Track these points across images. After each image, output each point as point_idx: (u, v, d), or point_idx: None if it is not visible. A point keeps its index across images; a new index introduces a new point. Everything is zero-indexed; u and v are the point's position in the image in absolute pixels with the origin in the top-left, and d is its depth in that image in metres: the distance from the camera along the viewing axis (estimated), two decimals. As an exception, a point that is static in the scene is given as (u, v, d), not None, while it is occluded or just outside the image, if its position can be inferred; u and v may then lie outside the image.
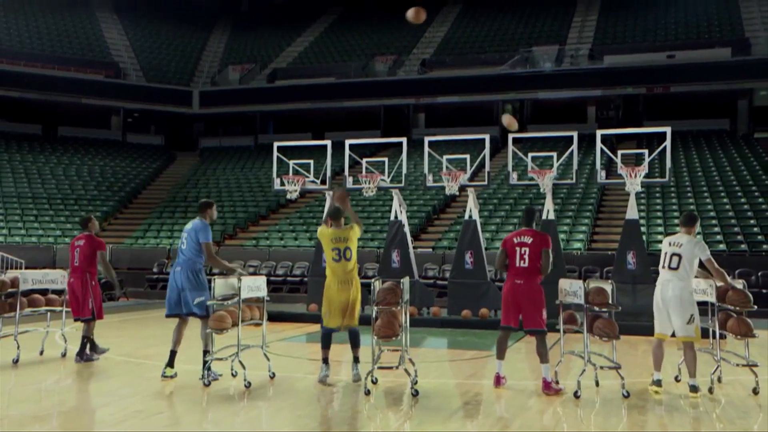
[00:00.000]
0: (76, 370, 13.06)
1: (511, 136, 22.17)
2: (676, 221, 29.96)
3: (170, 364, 11.81)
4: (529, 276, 11.26)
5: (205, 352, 11.68)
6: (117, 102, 51.62)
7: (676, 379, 11.90)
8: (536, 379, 11.60)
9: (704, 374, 11.72)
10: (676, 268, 11.12)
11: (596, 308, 11.08)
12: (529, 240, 11.33)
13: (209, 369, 11.51)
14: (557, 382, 11.12)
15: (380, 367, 11.07)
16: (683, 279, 11.10)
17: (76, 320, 13.96)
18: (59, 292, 14.55)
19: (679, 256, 11.14)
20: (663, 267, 11.27)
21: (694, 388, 10.86)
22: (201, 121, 56.76)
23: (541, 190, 21.64)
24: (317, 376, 11.63)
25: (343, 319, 11.54)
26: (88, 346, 13.79)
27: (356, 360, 11.74)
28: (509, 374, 11.50)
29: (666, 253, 11.29)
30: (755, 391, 10.96)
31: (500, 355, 11.48)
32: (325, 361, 11.59)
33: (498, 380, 11.38)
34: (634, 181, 20.08)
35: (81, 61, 52.30)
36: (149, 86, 52.45)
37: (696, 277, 11.37)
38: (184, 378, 11.78)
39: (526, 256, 11.26)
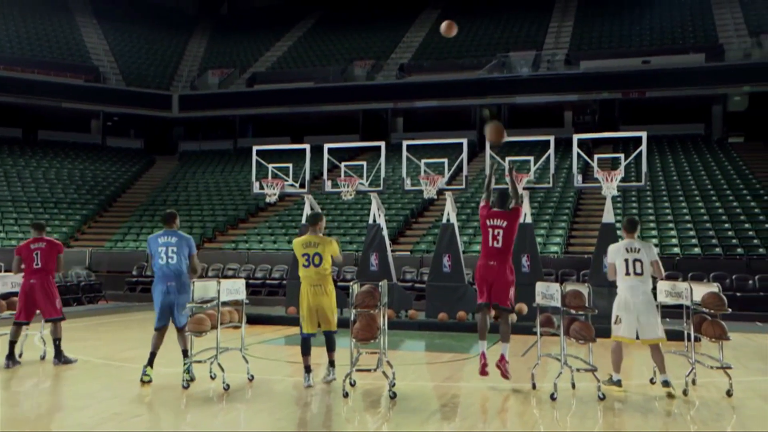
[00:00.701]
0: (54, 373, 13.02)
1: (488, 141, 22.19)
2: (652, 225, 30.28)
3: (150, 364, 11.77)
4: (502, 257, 11.48)
5: (185, 352, 11.73)
6: (97, 106, 51.40)
7: (651, 381, 11.94)
8: (514, 381, 11.61)
9: (679, 377, 11.77)
10: (641, 273, 11.30)
11: (573, 311, 11.13)
12: (503, 223, 11.50)
13: (188, 370, 11.49)
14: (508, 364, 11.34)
15: (358, 370, 11.05)
16: (647, 283, 11.33)
17: (21, 324, 13.80)
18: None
19: (641, 261, 11.33)
20: (628, 274, 11.34)
21: (667, 383, 11.09)
22: (180, 125, 56.66)
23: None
24: (301, 378, 11.58)
25: (318, 324, 11.57)
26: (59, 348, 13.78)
27: (331, 364, 11.80)
28: (487, 378, 11.50)
29: (627, 260, 11.37)
30: (729, 393, 11.01)
31: (482, 335, 11.52)
32: (308, 369, 11.56)
33: (483, 358, 11.39)
34: (610, 185, 20.13)
35: (61, 65, 52.08)
36: (129, 90, 52.30)
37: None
38: (163, 381, 11.75)
39: (500, 238, 11.46)
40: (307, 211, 22.57)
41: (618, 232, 18.96)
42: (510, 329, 11.53)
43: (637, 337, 11.30)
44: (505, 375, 11.34)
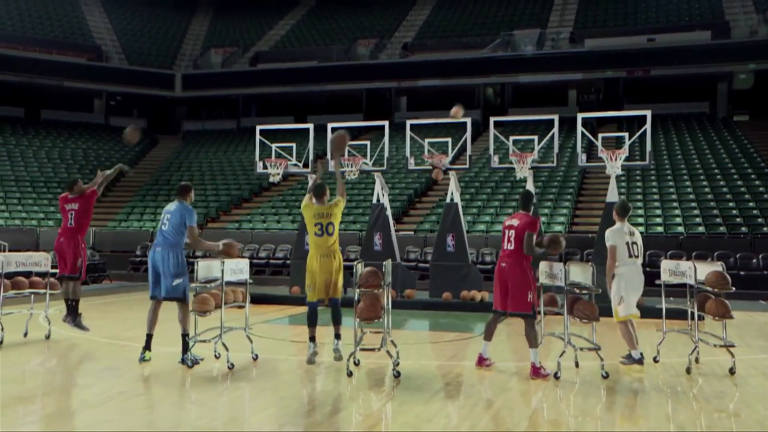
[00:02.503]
0: (59, 352, 13.09)
1: (492, 119, 22.19)
2: (656, 204, 30.29)
3: (148, 347, 11.82)
4: (515, 259, 11.25)
5: (184, 336, 11.73)
6: (99, 85, 51.38)
7: (655, 360, 11.99)
8: (517, 361, 11.70)
9: (682, 355, 11.86)
10: (638, 256, 11.80)
11: (576, 290, 11.17)
12: (516, 223, 11.34)
13: (189, 351, 11.55)
14: (544, 368, 11.05)
15: (362, 349, 11.09)
16: (640, 264, 11.84)
17: (60, 277, 14.03)
18: (43, 275, 14.59)
19: (636, 244, 11.81)
20: (630, 256, 11.73)
21: (641, 360, 11.71)
22: (184, 104, 56.61)
23: (517, 177, 21.68)
24: (305, 356, 11.70)
25: (326, 292, 11.67)
26: (75, 313, 13.94)
27: (337, 336, 11.81)
28: (490, 354, 11.55)
29: (628, 243, 11.73)
30: (732, 371, 11.07)
31: (487, 336, 11.58)
32: (312, 339, 11.69)
33: (480, 361, 11.48)
34: (614, 164, 20.12)
35: (63, 44, 52.04)
36: (132, 69, 52.29)
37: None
38: (167, 360, 11.80)
39: (513, 239, 11.28)
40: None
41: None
42: (536, 333, 11.20)
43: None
44: (544, 378, 10.86)
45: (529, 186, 21.21)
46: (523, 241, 11.16)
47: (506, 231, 11.43)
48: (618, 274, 11.72)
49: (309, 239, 11.90)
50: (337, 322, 11.82)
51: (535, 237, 11.22)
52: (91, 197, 14.41)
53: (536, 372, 10.93)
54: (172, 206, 11.98)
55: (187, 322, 11.69)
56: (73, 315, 13.98)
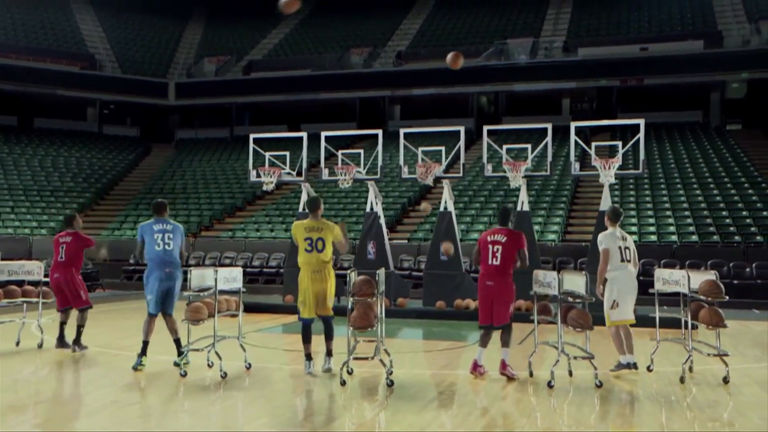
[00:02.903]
0: (52, 361, 13.07)
1: (486, 128, 22.21)
2: (650, 213, 30.33)
3: (144, 354, 11.91)
4: (501, 275, 11.42)
5: (178, 342, 11.94)
6: (93, 94, 51.40)
7: (649, 369, 11.99)
8: (513, 371, 11.66)
9: (676, 364, 11.89)
10: (630, 261, 11.90)
11: (570, 299, 11.18)
12: (503, 239, 11.45)
13: (184, 354, 11.68)
14: (512, 368, 11.35)
15: (356, 358, 11.10)
16: (633, 269, 11.96)
17: (62, 310, 14.08)
18: (36, 284, 14.62)
19: (629, 248, 11.95)
20: (622, 260, 11.85)
21: (635, 365, 11.87)
22: (177, 112, 56.62)
23: (511, 185, 21.68)
24: (299, 365, 11.69)
25: (316, 309, 11.55)
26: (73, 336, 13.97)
27: (329, 353, 11.74)
28: (485, 363, 11.54)
29: (621, 248, 11.85)
30: (725, 380, 11.07)
31: (483, 343, 11.62)
32: (308, 357, 11.62)
33: (475, 367, 11.49)
34: (608, 172, 20.11)
35: (56, 53, 52.09)
36: (125, 78, 52.33)
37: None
38: (160, 368, 11.81)
39: (499, 255, 11.40)
40: (304, 199, 22.61)
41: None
42: (510, 337, 11.53)
43: None
44: (512, 378, 11.30)
45: (522, 194, 21.23)
46: (511, 258, 11.45)
47: (491, 246, 11.50)
48: (611, 279, 11.81)
49: (299, 256, 11.74)
50: (328, 338, 11.75)
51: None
52: (87, 240, 14.44)
53: (504, 367, 11.28)
54: (164, 225, 12.08)
55: (178, 327, 12.01)
56: (79, 341, 14.01)
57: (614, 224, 12.14)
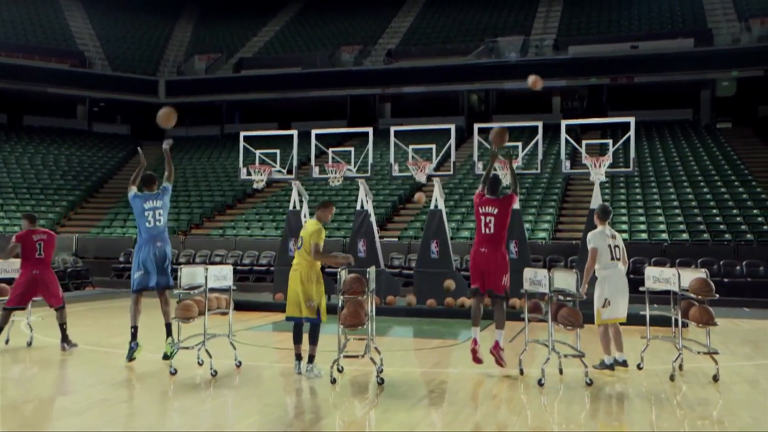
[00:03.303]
0: (41, 359, 13.06)
1: (476, 126, 22.21)
2: (641, 211, 30.36)
3: (135, 338, 12.20)
4: (494, 244, 11.63)
5: (169, 326, 12.24)
6: (83, 91, 51.24)
7: (639, 367, 12.01)
8: (503, 369, 11.65)
9: (666, 362, 11.93)
10: (620, 258, 12.04)
11: (561, 297, 11.20)
12: (494, 210, 11.66)
13: (173, 349, 11.84)
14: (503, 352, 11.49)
15: (346, 356, 11.09)
16: (623, 267, 12.09)
17: (10, 310, 14.02)
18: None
19: (618, 247, 12.07)
20: (612, 259, 11.95)
21: (625, 363, 12.05)
22: (167, 110, 56.40)
23: (502, 184, 21.67)
24: (289, 364, 11.64)
25: (299, 309, 11.39)
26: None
27: (311, 359, 11.43)
28: (477, 365, 11.54)
29: (610, 246, 11.96)
30: (715, 378, 11.11)
31: (476, 321, 11.71)
32: (298, 357, 11.55)
33: (474, 343, 11.56)
34: (598, 170, 20.16)
35: (46, 50, 51.89)
36: (115, 75, 52.19)
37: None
38: (150, 367, 11.81)
39: (492, 225, 11.62)
40: (295, 197, 22.65)
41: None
42: (505, 316, 11.63)
43: None
44: (499, 362, 11.43)
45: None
46: (504, 224, 11.74)
47: (483, 217, 11.72)
48: (601, 278, 11.92)
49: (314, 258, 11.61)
50: (312, 341, 11.41)
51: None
52: (52, 237, 14.49)
53: (497, 347, 11.42)
54: (154, 202, 12.28)
55: (170, 309, 12.19)
56: (66, 338, 14.01)
57: (603, 222, 12.27)
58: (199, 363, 11.82)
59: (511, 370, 11.56)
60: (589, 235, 12.26)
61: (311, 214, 12.17)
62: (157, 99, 52.89)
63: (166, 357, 12.00)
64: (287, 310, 11.50)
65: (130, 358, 11.95)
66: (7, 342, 14.04)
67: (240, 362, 11.96)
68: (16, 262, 14.38)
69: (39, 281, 13.94)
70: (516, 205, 21.12)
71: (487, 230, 11.64)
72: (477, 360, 11.54)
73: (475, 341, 11.57)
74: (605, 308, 11.85)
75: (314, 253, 11.31)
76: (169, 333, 12.28)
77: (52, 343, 14.19)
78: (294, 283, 11.38)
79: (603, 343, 12.09)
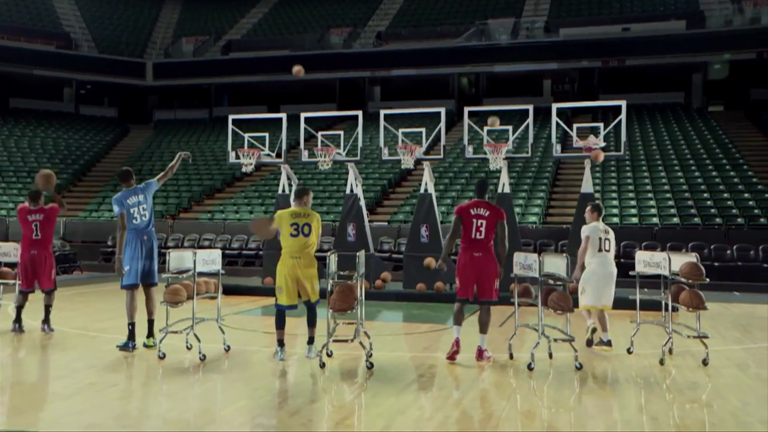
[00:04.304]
0: (30, 343, 13.06)
1: (466, 109, 22.22)
2: (631, 195, 30.43)
3: (151, 333, 12.21)
4: (487, 249, 11.40)
5: (151, 323, 12.20)
6: (69, 73, 51.20)
7: (629, 351, 12.08)
8: (493, 352, 11.70)
9: (656, 346, 12.01)
10: (609, 250, 12.59)
11: (551, 281, 11.24)
12: (485, 213, 11.44)
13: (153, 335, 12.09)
14: (488, 352, 11.51)
15: (335, 340, 11.12)
16: (612, 258, 12.69)
17: (27, 293, 14.05)
18: (12, 265, 14.58)
19: (609, 240, 12.62)
20: (600, 250, 12.52)
21: (609, 343, 12.43)
22: (155, 93, 56.46)
23: (491, 167, 21.64)
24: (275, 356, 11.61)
25: (298, 295, 11.47)
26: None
27: (311, 341, 11.59)
28: (463, 348, 11.56)
29: (601, 239, 12.52)
30: (705, 363, 11.17)
31: (459, 321, 11.58)
32: (281, 343, 11.51)
33: (457, 343, 11.40)
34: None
35: (31, 31, 51.75)
36: (102, 57, 52.10)
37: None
38: (138, 351, 11.84)
39: (483, 229, 11.39)
40: (284, 181, 22.67)
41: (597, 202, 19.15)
42: (490, 320, 11.54)
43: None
44: (487, 359, 11.41)
45: (503, 176, 21.27)
46: (493, 231, 11.45)
47: (474, 220, 11.46)
48: (587, 266, 12.46)
49: (282, 242, 11.52)
50: (311, 323, 11.61)
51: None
52: (55, 211, 14.40)
53: (481, 354, 11.38)
54: (136, 197, 12.21)
55: (155, 305, 12.22)
56: (48, 321, 14.06)
57: (597, 218, 12.82)
58: (187, 347, 11.85)
59: (501, 354, 11.62)
60: (584, 227, 12.82)
61: (294, 201, 12.01)
62: (145, 81, 52.94)
63: (145, 345, 12.05)
64: (284, 299, 11.41)
65: (144, 345, 12.03)
66: (20, 324, 14.02)
67: (229, 347, 11.99)
68: (14, 246, 14.45)
69: (36, 262, 14.01)
70: (504, 188, 21.22)
71: (479, 235, 11.41)
72: (452, 359, 11.44)
73: (457, 342, 11.42)
74: (582, 295, 12.43)
75: (319, 241, 11.73)
76: (150, 329, 12.24)
77: (39, 327, 14.19)
78: (297, 270, 11.36)
79: (600, 321, 12.56)
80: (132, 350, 11.83)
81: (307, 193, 11.93)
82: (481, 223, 11.41)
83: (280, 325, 11.54)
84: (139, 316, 12.05)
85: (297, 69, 17.57)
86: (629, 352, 12.10)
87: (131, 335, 11.96)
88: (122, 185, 12.47)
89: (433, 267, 15.55)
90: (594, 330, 12.67)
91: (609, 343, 12.39)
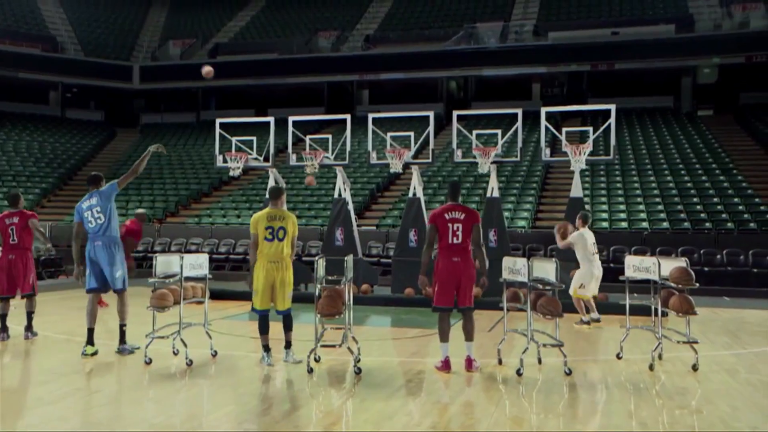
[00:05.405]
0: (14, 349, 13.02)
1: (455, 113, 22.24)
2: (621, 199, 30.49)
3: (90, 342, 12.10)
4: (465, 253, 11.18)
5: (123, 326, 12.16)
6: (55, 77, 51.14)
7: (618, 357, 12.09)
8: (481, 357, 11.71)
9: (646, 351, 12.03)
10: (597, 253, 16.23)
11: (540, 286, 11.23)
12: (461, 216, 11.24)
13: (124, 343, 12.16)
14: (477, 361, 11.33)
15: (323, 345, 11.13)
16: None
17: (7, 298, 14.04)
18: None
19: (596, 244, 16.20)
20: (594, 254, 15.99)
21: (599, 319, 15.85)
22: (142, 96, 56.38)
23: (480, 171, 21.63)
24: (261, 361, 11.60)
25: (272, 301, 11.45)
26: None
27: (288, 345, 11.61)
28: (450, 354, 11.51)
29: (593, 243, 16.05)
30: (695, 368, 11.18)
31: (446, 337, 11.26)
32: (266, 348, 11.51)
33: (448, 365, 11.10)
34: (578, 158, 20.20)
35: (17, 34, 51.72)
36: (88, 61, 52.09)
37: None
38: (125, 357, 11.82)
39: (459, 233, 11.16)
40: (271, 184, 22.63)
41: (585, 207, 19.31)
42: (474, 326, 11.32)
43: None
44: (476, 368, 11.20)
45: (493, 180, 21.29)
46: (470, 234, 11.22)
47: (450, 225, 11.21)
48: (583, 266, 15.62)
49: (258, 246, 11.44)
50: (287, 328, 11.58)
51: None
52: (31, 215, 14.41)
53: (471, 364, 11.15)
54: (90, 200, 12.35)
55: (126, 313, 12.25)
56: (31, 327, 14.03)
57: (584, 226, 15.74)
58: (174, 352, 11.85)
59: (490, 359, 11.62)
60: (576, 234, 15.73)
61: (268, 203, 11.91)
62: (132, 85, 52.92)
63: (119, 351, 12.07)
64: (259, 302, 11.42)
65: (83, 354, 11.97)
66: (5, 331, 13.98)
67: (216, 352, 12.00)
68: None
69: (14, 266, 14.02)
70: (493, 192, 21.26)
71: (455, 239, 11.15)
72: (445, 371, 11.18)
73: (447, 362, 11.12)
74: (581, 289, 15.36)
75: (294, 244, 11.58)
76: (122, 336, 12.30)
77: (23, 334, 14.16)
78: (275, 274, 11.32)
79: (578, 308, 15.68)
80: (84, 355, 11.84)
81: (283, 192, 11.90)
82: (458, 227, 11.18)
83: (264, 330, 11.52)
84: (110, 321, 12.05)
85: (207, 70, 17.52)
86: (619, 357, 12.11)
87: (88, 340, 11.96)
88: (90, 188, 12.51)
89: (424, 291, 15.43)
90: (589, 323, 15.22)
91: (598, 320, 15.39)
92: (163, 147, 13.79)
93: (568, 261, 16.63)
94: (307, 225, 30.00)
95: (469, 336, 11.26)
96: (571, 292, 15.84)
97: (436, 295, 11.35)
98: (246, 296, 20.80)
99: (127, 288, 12.45)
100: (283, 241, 11.39)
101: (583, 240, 15.64)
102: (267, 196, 12.50)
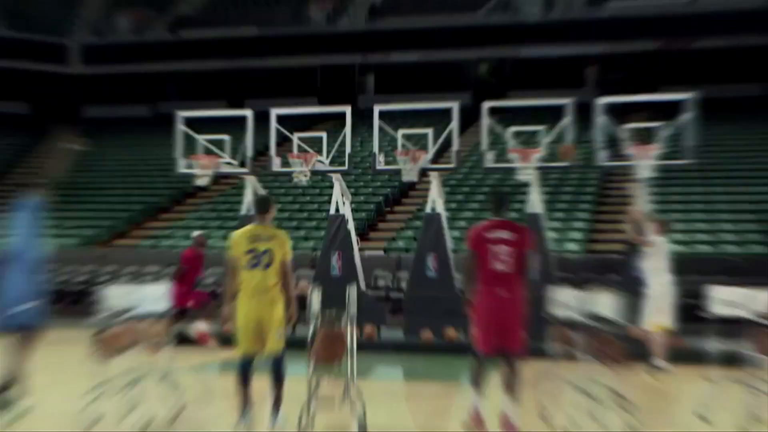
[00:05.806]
0: None
1: (486, 105, 22.29)
2: (701, 214, 30.49)
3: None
4: (513, 284, 10.89)
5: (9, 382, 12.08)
6: (-37, 59, 51.28)
7: (703, 419, 12.07)
8: (523, 416, 11.73)
9: (736, 413, 12.01)
10: None
11: (597, 325, 11.22)
12: (509, 236, 10.98)
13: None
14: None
15: (318, 401, 11.13)
16: None
17: None
18: None
19: None
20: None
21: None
22: (83, 84, 56.34)
23: (520, 180, 21.65)
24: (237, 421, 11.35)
25: (258, 342, 11.08)
26: None
27: (276, 405, 11.16)
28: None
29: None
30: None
31: (479, 383, 11.15)
32: (246, 403, 11.10)
33: (479, 419, 10.99)
34: (645, 163, 20.23)
35: None
36: (11, 37, 52.02)
37: None
38: (64, 420, 11.87)
39: (507, 258, 10.86)
40: (249, 197, 22.66)
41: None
42: (520, 379, 11.00)
43: None
44: None
45: (534, 192, 21.29)
46: (521, 259, 10.98)
47: (493, 246, 10.97)
48: (655, 278, 15.75)
49: (240, 275, 11.20)
50: (277, 380, 11.19)
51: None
52: None
53: (509, 425, 10.83)
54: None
55: (23, 357, 12.21)
56: None
57: (662, 233, 15.75)
58: (126, 411, 11.87)
59: (531, 418, 11.64)
60: (658, 238, 15.97)
61: (254, 218, 11.77)
62: (69, 69, 52.87)
63: None
64: (244, 346, 11.11)
65: None
66: None
67: (181, 408, 11.98)
68: None
69: None
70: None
71: (500, 265, 10.86)
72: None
73: (477, 413, 11.01)
74: (657, 314, 15.49)
75: (289, 273, 11.33)
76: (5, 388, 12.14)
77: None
78: (264, 310, 11.06)
79: (653, 347, 15.33)
80: None
81: (271, 205, 11.74)
82: (505, 250, 10.87)
83: (244, 380, 11.13)
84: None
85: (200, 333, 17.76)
86: (704, 419, 12.06)
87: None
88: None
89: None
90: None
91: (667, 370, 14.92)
92: (81, 140, 13.90)
93: (631, 289, 16.61)
94: (295, 248, 29.80)
95: (510, 390, 10.92)
96: (646, 324, 15.05)
97: (476, 340, 11.16)
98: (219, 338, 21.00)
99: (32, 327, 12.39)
100: (268, 268, 11.11)
101: (665, 247, 14.98)
102: (251, 209, 12.53)
